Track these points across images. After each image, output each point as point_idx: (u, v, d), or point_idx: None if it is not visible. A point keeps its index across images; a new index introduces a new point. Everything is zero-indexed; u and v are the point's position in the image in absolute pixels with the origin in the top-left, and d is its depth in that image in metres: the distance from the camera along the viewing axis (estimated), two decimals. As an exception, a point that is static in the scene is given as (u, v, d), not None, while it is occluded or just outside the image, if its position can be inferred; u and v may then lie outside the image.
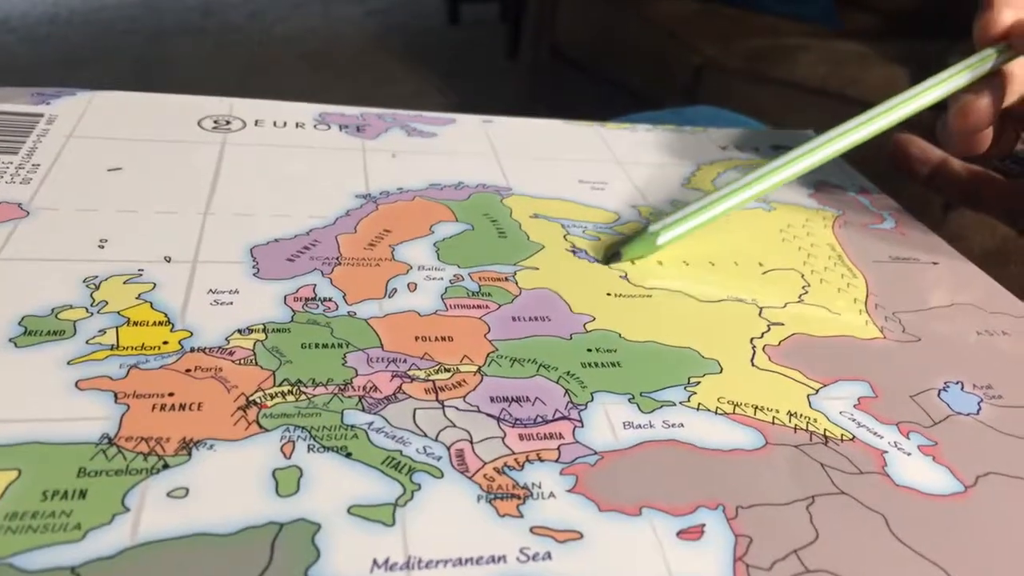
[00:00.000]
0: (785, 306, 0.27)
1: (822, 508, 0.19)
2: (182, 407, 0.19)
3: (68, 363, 0.20)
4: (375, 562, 0.16)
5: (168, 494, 0.17)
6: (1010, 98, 0.30)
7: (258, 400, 0.20)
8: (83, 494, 0.16)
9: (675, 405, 0.22)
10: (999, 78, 0.30)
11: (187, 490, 0.17)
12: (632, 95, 1.15)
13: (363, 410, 0.20)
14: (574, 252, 0.28)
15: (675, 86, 1.09)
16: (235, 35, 1.84)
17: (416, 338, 0.23)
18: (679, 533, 0.18)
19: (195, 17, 1.93)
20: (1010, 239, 0.32)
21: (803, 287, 0.28)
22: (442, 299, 0.24)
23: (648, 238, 0.27)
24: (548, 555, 0.17)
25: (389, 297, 0.24)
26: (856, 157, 0.40)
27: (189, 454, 0.18)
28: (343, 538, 0.16)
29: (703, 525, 0.18)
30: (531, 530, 0.17)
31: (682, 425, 0.21)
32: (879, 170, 0.38)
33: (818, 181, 0.36)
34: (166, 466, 0.17)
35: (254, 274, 0.24)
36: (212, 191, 0.28)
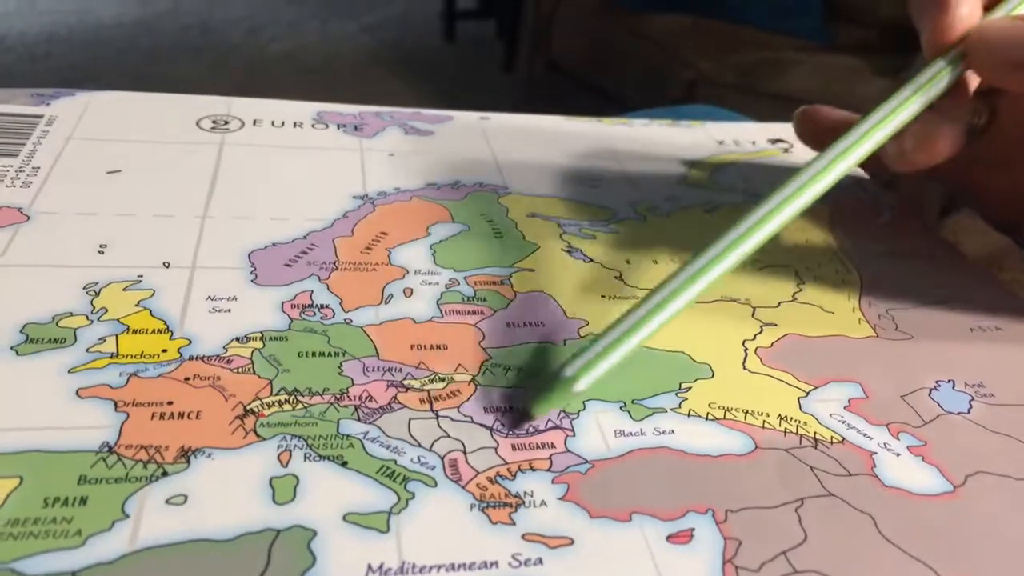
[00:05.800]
0: (779, 305, 0.27)
1: (811, 510, 0.19)
2: (181, 416, 0.19)
3: (69, 371, 0.20)
4: (370, 567, 0.16)
5: (167, 501, 0.17)
6: (976, 117, 0.27)
7: (256, 409, 0.20)
8: (84, 501, 0.17)
9: (666, 412, 0.22)
10: (958, 93, 0.26)
11: (186, 497, 0.17)
12: (627, 109, 1.16)
13: (359, 420, 0.20)
14: (569, 252, 0.28)
15: (669, 100, 1.10)
16: (232, 53, 1.85)
17: (411, 346, 0.23)
18: (669, 537, 0.18)
19: (193, 35, 1.94)
20: (1002, 247, 0.32)
21: (797, 285, 0.28)
22: (438, 305, 0.25)
23: (563, 386, 0.21)
24: (540, 560, 0.17)
25: (385, 303, 0.24)
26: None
27: (188, 462, 0.18)
28: (338, 544, 0.17)
29: (692, 529, 0.18)
30: (523, 537, 0.18)
31: (672, 432, 0.21)
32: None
33: None
34: (165, 474, 0.18)
35: (252, 280, 0.24)
36: (210, 194, 0.28)
